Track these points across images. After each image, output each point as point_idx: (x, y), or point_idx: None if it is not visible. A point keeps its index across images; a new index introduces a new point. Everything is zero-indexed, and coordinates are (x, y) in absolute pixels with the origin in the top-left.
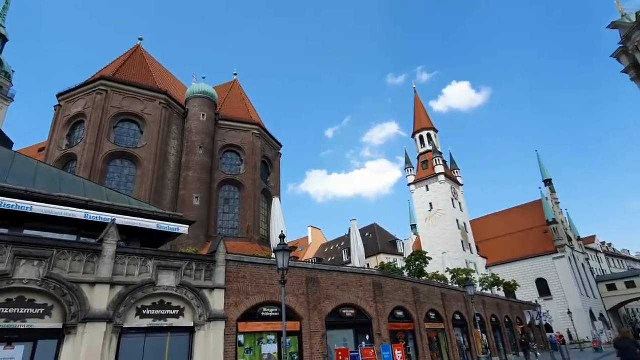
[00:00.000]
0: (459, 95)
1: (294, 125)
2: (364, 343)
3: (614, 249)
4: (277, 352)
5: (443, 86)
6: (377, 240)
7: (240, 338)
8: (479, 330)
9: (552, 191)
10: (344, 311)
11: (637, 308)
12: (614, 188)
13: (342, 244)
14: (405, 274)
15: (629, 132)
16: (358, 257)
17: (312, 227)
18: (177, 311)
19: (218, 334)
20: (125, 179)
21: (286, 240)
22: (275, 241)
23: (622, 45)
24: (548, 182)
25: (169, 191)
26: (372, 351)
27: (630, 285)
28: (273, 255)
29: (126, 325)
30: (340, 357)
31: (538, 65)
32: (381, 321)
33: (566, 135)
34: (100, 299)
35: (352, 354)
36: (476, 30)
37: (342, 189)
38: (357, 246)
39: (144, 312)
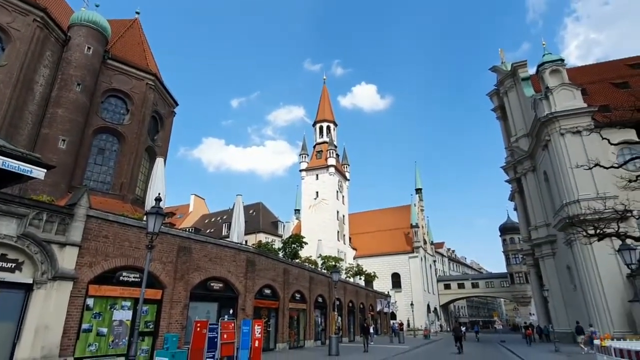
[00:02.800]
0: (365, 96)
1: (197, 87)
2: (226, 317)
3: (455, 255)
4: (130, 319)
5: (353, 84)
6: (260, 219)
7: (90, 302)
8: (336, 313)
9: (420, 199)
10: (212, 284)
11: (461, 305)
12: (470, 205)
13: (225, 217)
14: (281, 254)
15: (488, 160)
16: (237, 232)
17: (195, 195)
18: (13, 265)
19: (62, 295)
20: None
21: (163, 204)
22: (150, 203)
23: (496, 88)
24: (419, 191)
25: (29, 127)
26: (232, 325)
27: (461, 286)
28: (145, 218)
29: None
30: (199, 329)
31: (436, 87)
32: (248, 297)
33: (442, 153)
34: None
35: (210, 326)
36: (395, 44)
37: (236, 163)
38: (239, 222)
39: None
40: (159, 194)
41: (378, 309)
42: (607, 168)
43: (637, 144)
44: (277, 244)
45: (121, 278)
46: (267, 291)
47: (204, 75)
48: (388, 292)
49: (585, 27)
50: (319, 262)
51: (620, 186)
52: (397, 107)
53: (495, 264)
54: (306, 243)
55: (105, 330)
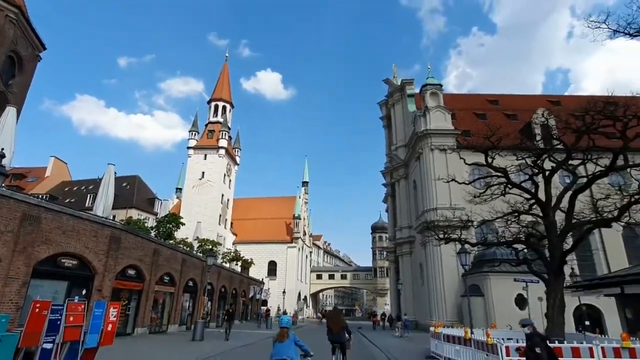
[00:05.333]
0: (269, 84)
1: (76, 34)
2: (76, 298)
3: (331, 248)
4: None
5: (258, 69)
6: (135, 193)
7: None
8: (206, 298)
9: (306, 192)
10: (64, 260)
11: (329, 294)
12: (351, 201)
13: (91, 187)
14: (153, 234)
15: (372, 163)
16: (104, 205)
17: (56, 158)
18: None
19: None
20: None
21: (9, 162)
22: None
23: (386, 98)
24: (305, 184)
25: None
26: (82, 307)
27: (331, 277)
28: None
29: None
30: (37, 310)
31: (337, 88)
32: (107, 277)
33: (333, 150)
34: None
35: (53, 307)
36: (306, 39)
37: (116, 129)
38: (107, 193)
39: None
40: (3, 149)
41: (250, 295)
42: (459, 183)
43: (484, 167)
44: (151, 223)
45: None
46: (132, 272)
47: (86, 21)
48: (262, 279)
49: (464, 61)
50: (196, 244)
51: (467, 200)
52: (298, 100)
53: (364, 258)
54: (183, 224)
55: None
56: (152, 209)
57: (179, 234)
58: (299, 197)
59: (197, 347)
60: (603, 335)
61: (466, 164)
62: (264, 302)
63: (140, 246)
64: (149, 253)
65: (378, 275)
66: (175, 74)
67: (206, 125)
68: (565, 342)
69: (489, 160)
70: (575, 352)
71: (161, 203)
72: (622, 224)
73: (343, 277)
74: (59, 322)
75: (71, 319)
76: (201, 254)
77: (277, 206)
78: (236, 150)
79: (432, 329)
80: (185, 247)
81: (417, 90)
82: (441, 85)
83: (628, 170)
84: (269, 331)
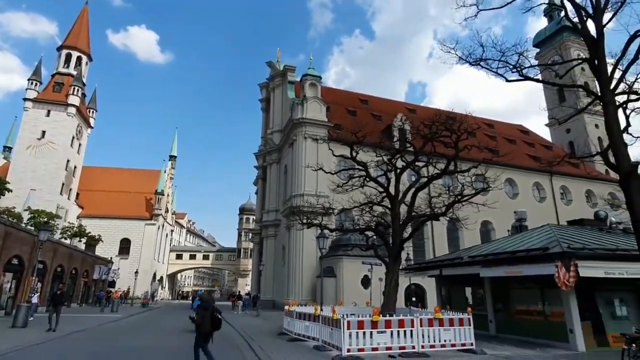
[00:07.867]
0: (142, 42)
1: None
2: None
3: (195, 227)
4: None
5: (131, 23)
6: None
7: None
8: (35, 278)
9: (173, 167)
10: None
11: (189, 275)
12: (223, 181)
13: None
14: None
15: (248, 144)
16: None
17: None
18: None
19: None
20: None
21: None
22: None
23: (267, 81)
24: (173, 158)
25: None
26: None
27: (192, 257)
28: None
29: None
30: None
31: (220, 61)
32: None
33: (207, 127)
34: None
35: None
36: (193, 4)
37: None
38: None
39: None
40: None
41: (95, 276)
42: (326, 172)
43: (349, 159)
44: None
45: None
46: None
47: None
48: (112, 258)
49: (345, 60)
50: (26, 216)
51: (331, 189)
52: (176, 67)
53: (230, 239)
54: (9, 190)
55: None
56: None
57: (3, 202)
58: (164, 172)
59: (14, 335)
60: (423, 309)
61: (334, 155)
62: (112, 284)
63: None
64: None
65: (242, 256)
66: (19, 7)
67: (53, 76)
68: (394, 315)
69: (354, 154)
70: (401, 323)
71: None
72: (447, 218)
73: (205, 257)
74: None
75: None
76: (33, 228)
77: (138, 179)
78: (91, 111)
79: (286, 307)
80: (10, 219)
81: (298, 79)
82: (320, 78)
83: (456, 174)
84: (114, 314)
